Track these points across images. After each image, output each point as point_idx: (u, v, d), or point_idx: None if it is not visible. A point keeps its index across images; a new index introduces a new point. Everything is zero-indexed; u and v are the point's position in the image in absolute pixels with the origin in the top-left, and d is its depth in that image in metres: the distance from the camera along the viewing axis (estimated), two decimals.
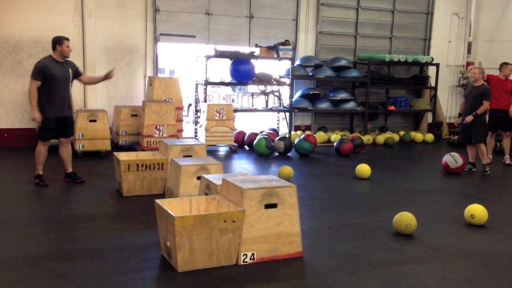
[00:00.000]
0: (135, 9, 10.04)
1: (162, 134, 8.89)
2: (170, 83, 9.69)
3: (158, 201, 4.21)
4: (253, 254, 4.10)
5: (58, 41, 6.31)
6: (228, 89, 16.94)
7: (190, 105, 15.78)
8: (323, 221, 5.42)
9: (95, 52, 9.79)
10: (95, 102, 9.92)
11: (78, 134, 8.55)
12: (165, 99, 9.43)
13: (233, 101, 17.06)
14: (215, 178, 4.83)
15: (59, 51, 6.30)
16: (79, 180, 6.68)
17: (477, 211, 5.41)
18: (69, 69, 6.45)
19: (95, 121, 8.66)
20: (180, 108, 9.70)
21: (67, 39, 6.39)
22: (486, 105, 7.97)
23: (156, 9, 10.18)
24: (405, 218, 4.99)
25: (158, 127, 8.89)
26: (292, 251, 4.24)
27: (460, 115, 8.61)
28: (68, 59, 6.49)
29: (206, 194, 4.76)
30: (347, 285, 3.82)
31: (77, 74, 6.64)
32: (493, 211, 5.60)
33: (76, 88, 9.51)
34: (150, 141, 8.83)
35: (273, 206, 4.15)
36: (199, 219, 3.86)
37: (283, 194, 4.19)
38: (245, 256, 4.07)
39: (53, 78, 6.21)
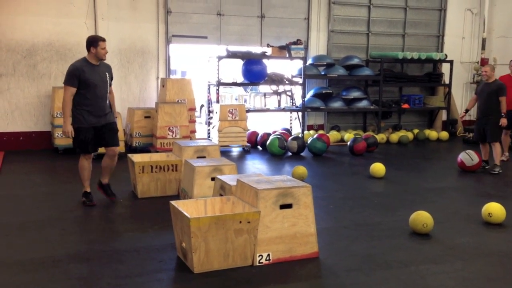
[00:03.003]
0: (147, 11, 10.08)
1: (176, 136, 8.91)
2: (182, 84, 9.71)
3: (173, 202, 4.22)
4: (268, 255, 4.09)
5: (92, 43, 5.58)
6: (240, 89, 16.97)
7: (202, 106, 15.81)
8: (338, 221, 5.39)
9: (108, 55, 9.76)
10: None
11: None
12: (177, 101, 9.45)
13: (245, 101, 17.07)
14: (229, 179, 4.83)
15: (94, 54, 5.57)
16: (111, 198, 5.91)
17: (494, 209, 5.34)
18: (106, 72, 5.72)
19: None
20: (193, 109, 9.71)
21: (103, 40, 5.65)
22: (504, 101, 7.85)
23: (167, 11, 10.21)
24: (422, 217, 4.94)
25: (171, 128, 8.91)
26: (308, 251, 4.22)
27: (467, 110, 8.49)
28: (104, 61, 5.79)
29: (221, 195, 4.75)
30: (364, 285, 3.79)
31: (111, 80, 5.87)
32: (510, 209, 5.51)
33: None
34: (164, 143, 8.86)
35: (288, 206, 4.14)
36: (214, 220, 3.85)
37: (298, 194, 4.17)
38: (260, 257, 4.06)
39: (88, 83, 5.49)
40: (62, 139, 8.94)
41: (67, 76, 5.46)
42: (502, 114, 7.84)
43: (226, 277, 3.84)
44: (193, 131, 9.65)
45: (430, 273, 4.02)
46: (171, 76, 10.93)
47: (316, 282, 3.89)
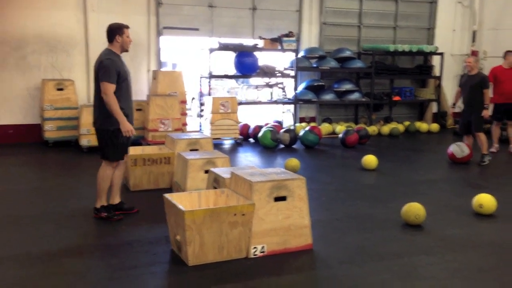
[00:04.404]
0: (138, 2, 9.99)
1: (167, 128, 8.88)
2: (174, 76, 9.66)
3: (167, 195, 4.22)
4: (263, 247, 4.11)
5: (117, 30, 4.92)
6: (232, 82, 16.92)
7: (193, 98, 15.75)
8: (331, 213, 5.42)
9: (99, 47, 9.67)
10: None
11: (84, 130, 8.56)
12: (169, 93, 9.41)
13: (236, 94, 16.97)
14: (223, 171, 4.83)
15: (120, 43, 4.94)
16: (134, 211, 5.26)
17: (485, 200, 5.40)
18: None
19: None
20: (184, 102, 9.68)
21: (128, 27, 5.03)
22: (487, 93, 7.91)
23: (158, 2, 10.13)
24: (414, 209, 4.98)
25: (163, 121, 8.88)
26: (302, 243, 4.24)
27: (454, 104, 8.55)
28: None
29: (215, 187, 4.76)
30: (357, 277, 3.82)
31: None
32: (501, 200, 5.57)
33: (79, 82, 9.56)
34: (155, 135, 8.82)
35: (283, 199, 4.15)
36: (209, 213, 3.86)
37: (292, 186, 4.18)
38: (255, 249, 4.08)
39: (124, 77, 4.91)
40: (53, 131, 8.91)
41: (107, 72, 4.74)
42: (485, 106, 7.89)
43: (221, 269, 3.85)
44: (185, 124, 9.62)
45: (422, 264, 4.07)
46: (162, 69, 10.86)
47: (310, 274, 3.92)
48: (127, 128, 4.85)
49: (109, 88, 4.76)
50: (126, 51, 5.09)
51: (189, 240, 3.82)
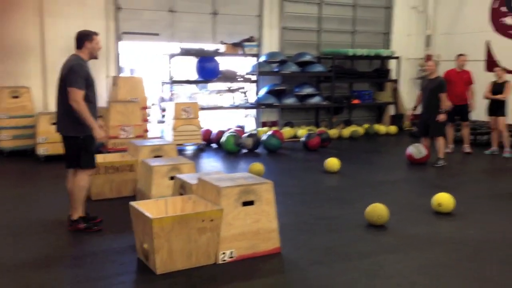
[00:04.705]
0: (96, 7, 9.80)
1: (129, 135, 8.73)
2: (134, 82, 9.53)
3: (133, 203, 4.15)
4: (232, 252, 4.10)
5: (87, 36, 4.84)
6: (193, 87, 16.82)
7: (152, 104, 15.56)
8: (298, 216, 5.47)
9: (56, 53, 9.51)
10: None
11: (41, 138, 8.31)
12: (130, 99, 9.27)
13: (195, 99, 16.86)
14: (189, 177, 4.80)
15: (89, 50, 4.87)
16: (98, 220, 5.06)
17: (444, 199, 5.59)
18: None
19: None
20: (145, 108, 9.56)
21: (97, 34, 4.97)
22: (444, 97, 8.16)
23: (117, 7, 9.98)
24: (378, 210, 5.09)
25: (124, 128, 8.73)
26: (270, 247, 4.26)
27: (415, 107, 8.81)
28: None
29: (181, 194, 4.72)
30: (326, 277, 3.87)
31: None
32: (458, 198, 5.77)
33: (35, 89, 9.28)
34: (116, 143, 8.65)
35: (250, 203, 4.16)
36: (177, 220, 3.83)
37: (260, 191, 4.20)
38: (224, 254, 4.07)
39: (91, 84, 4.82)
40: (8, 141, 8.61)
41: (76, 77, 4.63)
42: (441, 110, 8.13)
43: (190, 277, 3.82)
44: (147, 130, 9.50)
45: (388, 263, 4.17)
46: (120, 74, 10.70)
47: (280, 277, 3.95)
48: (101, 134, 4.78)
49: (79, 95, 4.65)
50: (95, 58, 5.01)
51: (157, 248, 3.77)
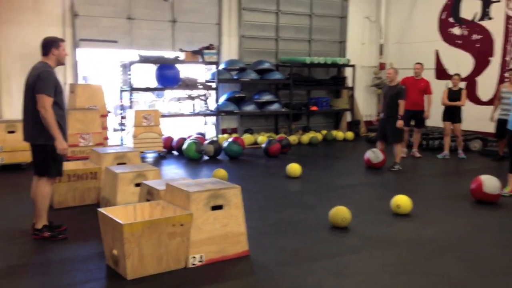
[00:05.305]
0: (52, 14, 9.64)
1: (88, 143, 8.62)
2: (93, 90, 9.41)
3: (101, 209, 4.14)
4: (201, 256, 4.15)
5: (53, 43, 4.78)
6: (149, 94, 16.70)
7: (109, 112, 15.33)
8: (263, 220, 5.56)
9: (10, 60, 9.29)
10: (12, 112, 9.39)
11: None
12: (88, 107, 9.14)
13: (153, 107, 16.73)
14: (156, 183, 4.82)
15: (56, 56, 4.80)
16: (63, 228, 4.94)
17: (402, 201, 5.83)
18: None
19: (14, 132, 8.19)
20: (105, 116, 9.45)
21: (63, 40, 4.94)
22: (402, 104, 8.48)
23: (74, 14, 9.85)
24: (341, 212, 5.26)
25: (83, 135, 8.61)
26: (239, 250, 4.34)
27: (379, 114, 9.10)
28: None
29: (148, 200, 4.73)
30: (294, 277, 3.98)
31: None
32: (415, 200, 6.03)
33: None
34: (75, 151, 8.52)
35: (219, 207, 4.23)
36: (148, 225, 3.84)
37: (228, 195, 4.27)
38: (193, 258, 4.11)
39: (60, 91, 4.74)
40: None
41: (45, 84, 4.56)
42: (399, 116, 8.45)
43: (161, 281, 3.84)
44: (106, 138, 9.38)
45: (353, 262, 4.32)
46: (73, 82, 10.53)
47: (250, 278, 4.02)
48: (63, 146, 4.72)
49: (48, 101, 4.58)
50: (62, 64, 4.98)
51: (128, 253, 3.77)
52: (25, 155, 8.28)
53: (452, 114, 9.60)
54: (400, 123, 8.38)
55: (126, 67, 10.09)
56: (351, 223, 5.29)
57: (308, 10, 12.69)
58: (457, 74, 9.81)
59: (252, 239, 4.62)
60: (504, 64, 10.88)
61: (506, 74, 9.81)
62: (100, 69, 16.60)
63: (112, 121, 11.45)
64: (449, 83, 10.36)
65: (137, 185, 5.38)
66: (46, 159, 4.76)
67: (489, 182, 6.28)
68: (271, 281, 3.92)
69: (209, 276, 3.96)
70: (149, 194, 4.75)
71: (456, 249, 4.70)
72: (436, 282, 3.96)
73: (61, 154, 4.84)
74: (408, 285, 3.89)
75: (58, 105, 4.73)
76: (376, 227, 5.35)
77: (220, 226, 4.22)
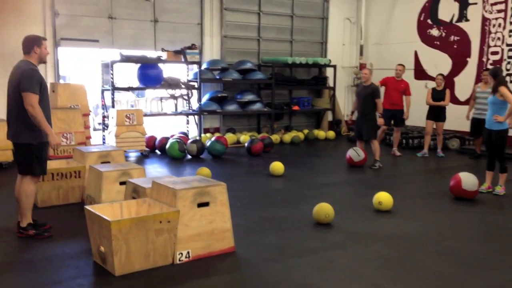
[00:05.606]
0: (32, 12, 9.56)
1: (70, 142, 8.58)
2: (75, 89, 9.35)
3: (89, 207, 4.15)
4: (188, 252, 4.20)
5: (36, 42, 4.77)
6: (130, 94, 16.64)
7: (90, 111, 15.21)
8: (248, 217, 5.62)
9: None
10: None
11: None
12: (70, 106, 9.08)
13: (132, 106, 16.69)
14: (141, 181, 4.85)
15: (38, 54, 4.79)
16: (47, 226, 4.99)
17: (384, 198, 5.96)
18: None
19: None
20: (87, 115, 9.40)
21: (45, 39, 4.95)
22: (380, 102, 8.65)
23: (55, 13, 9.77)
24: (324, 209, 5.36)
25: (65, 135, 8.55)
26: (225, 246, 4.40)
27: (352, 112, 9.27)
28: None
29: (134, 198, 4.75)
30: (280, 272, 4.05)
31: None
32: (396, 197, 6.17)
33: None
34: (57, 150, 8.43)
35: (206, 204, 4.28)
36: (135, 222, 3.88)
37: (214, 192, 4.33)
38: (180, 255, 4.15)
39: (45, 88, 4.75)
40: None
41: (30, 82, 4.54)
42: (379, 114, 8.62)
43: (148, 277, 3.88)
44: (89, 137, 9.33)
45: (337, 258, 4.42)
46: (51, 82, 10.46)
47: (237, 274, 4.08)
48: (56, 140, 4.75)
49: (34, 99, 4.57)
50: (44, 62, 4.98)
51: (115, 250, 3.80)
52: (6, 154, 8.23)
53: (436, 113, 9.82)
54: (380, 121, 8.57)
55: (107, 66, 10.05)
56: (334, 219, 5.39)
57: (289, 11, 12.80)
58: (441, 74, 10.00)
59: (237, 236, 4.68)
60: (481, 64, 11.15)
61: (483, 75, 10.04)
62: (79, 69, 16.49)
63: (92, 121, 11.41)
64: (428, 83, 10.59)
65: (122, 183, 5.40)
66: (30, 158, 4.76)
67: (468, 179, 6.45)
68: (257, 277, 3.98)
69: (196, 272, 4.01)
70: (135, 192, 4.77)
71: (436, 244, 4.83)
72: (418, 275, 4.08)
73: (45, 154, 4.84)
74: (391, 278, 4.00)
75: (43, 103, 4.72)
76: (359, 223, 5.46)
77: (206, 223, 4.28)
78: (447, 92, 9.80)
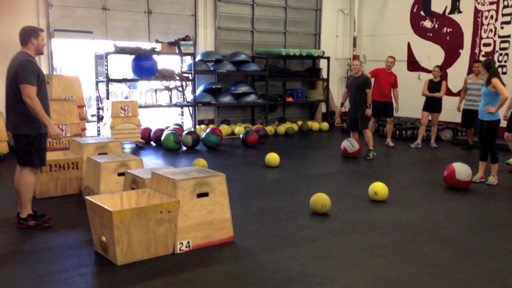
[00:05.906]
0: (25, 3, 9.49)
1: (66, 134, 8.57)
2: (70, 81, 9.33)
3: (89, 197, 4.18)
4: (188, 242, 4.25)
5: (33, 33, 4.76)
6: (123, 85, 16.59)
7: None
8: (246, 208, 5.69)
9: None
10: None
11: None
12: (65, 98, 9.06)
13: (126, 98, 16.64)
14: (140, 172, 4.89)
15: (35, 46, 4.79)
16: (47, 217, 5.05)
17: (379, 188, 6.04)
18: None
19: None
20: (82, 106, 9.39)
21: (42, 30, 4.94)
22: (370, 93, 8.73)
23: (48, 4, 9.72)
24: (321, 199, 5.43)
25: (60, 126, 8.54)
26: (224, 236, 4.45)
27: (342, 104, 9.34)
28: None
29: (133, 188, 4.79)
30: (279, 261, 4.12)
31: None
32: (391, 187, 6.26)
33: None
34: (53, 141, 8.44)
35: (205, 195, 4.33)
36: (136, 212, 3.92)
37: (214, 183, 4.38)
38: (181, 244, 4.21)
39: (43, 80, 4.77)
40: None
41: (27, 73, 4.54)
42: (368, 105, 8.70)
43: (150, 266, 3.93)
44: (84, 129, 9.33)
45: (334, 246, 4.49)
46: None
47: (236, 262, 4.14)
48: (56, 131, 4.76)
49: (32, 90, 4.59)
50: (41, 53, 4.98)
51: (117, 239, 3.84)
52: (2, 146, 8.23)
53: (432, 104, 9.91)
54: (368, 111, 8.65)
55: (101, 58, 10.02)
56: (330, 209, 5.46)
57: (283, 3, 12.81)
58: (438, 66, 10.07)
59: (236, 226, 4.74)
60: (473, 56, 11.25)
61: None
62: (72, 60, 16.39)
63: (85, 112, 11.39)
64: (421, 75, 10.66)
65: (120, 174, 5.43)
66: (29, 149, 4.78)
67: (461, 169, 6.55)
68: (256, 265, 4.05)
69: (196, 261, 4.06)
70: (134, 183, 4.81)
71: (431, 232, 4.92)
72: (414, 262, 4.16)
73: (44, 145, 4.87)
74: (388, 266, 4.07)
75: (41, 94, 4.72)
76: (355, 212, 5.54)
77: (206, 213, 4.33)
78: (443, 83, 9.88)
